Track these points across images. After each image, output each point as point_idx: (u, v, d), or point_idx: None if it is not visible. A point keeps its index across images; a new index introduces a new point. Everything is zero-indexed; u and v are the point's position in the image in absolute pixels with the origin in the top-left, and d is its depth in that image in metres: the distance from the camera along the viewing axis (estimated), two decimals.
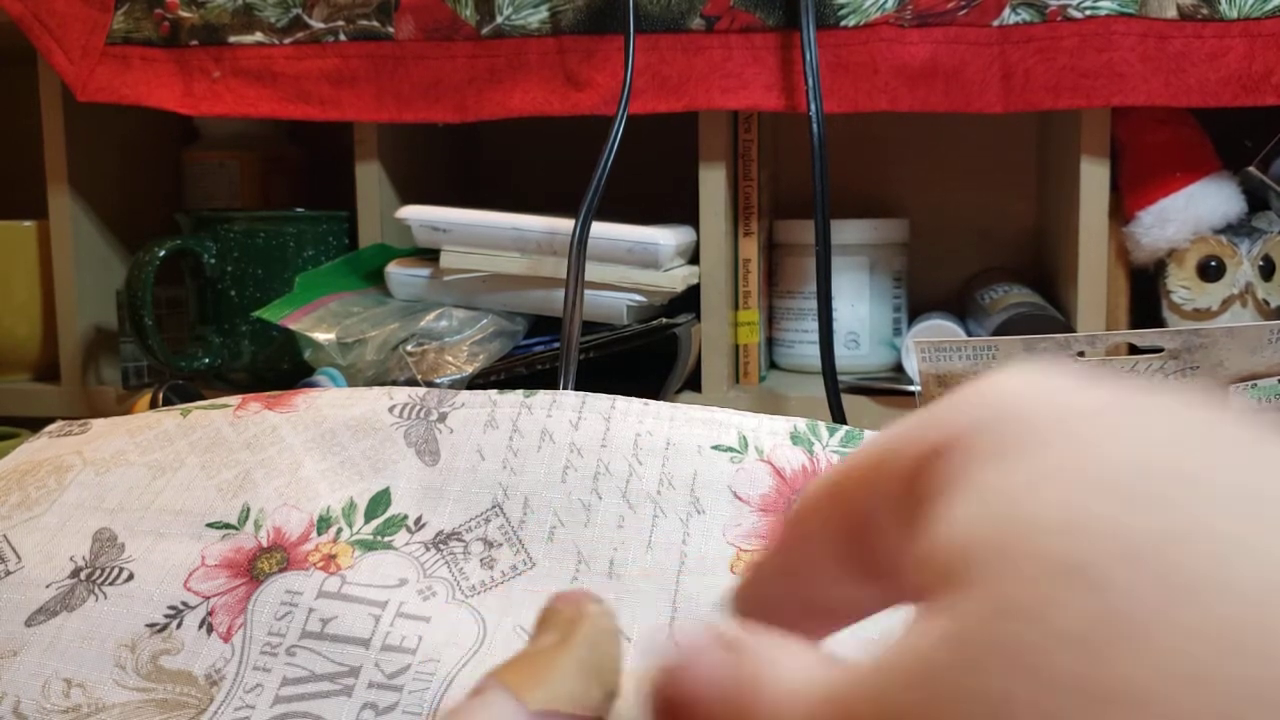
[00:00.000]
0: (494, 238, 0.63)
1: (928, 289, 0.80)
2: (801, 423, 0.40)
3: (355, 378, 0.60)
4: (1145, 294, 0.66)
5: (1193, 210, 0.62)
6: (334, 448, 0.41)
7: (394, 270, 0.66)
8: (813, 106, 0.59)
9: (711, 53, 0.63)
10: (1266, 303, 0.63)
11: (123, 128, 0.77)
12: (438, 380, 0.59)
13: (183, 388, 0.63)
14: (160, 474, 0.40)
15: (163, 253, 0.66)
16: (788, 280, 0.71)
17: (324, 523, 0.38)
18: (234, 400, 0.43)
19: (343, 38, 0.67)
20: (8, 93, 0.91)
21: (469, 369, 0.60)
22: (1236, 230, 0.63)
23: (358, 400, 0.42)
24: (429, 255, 0.66)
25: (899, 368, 0.71)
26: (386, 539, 0.38)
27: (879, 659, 0.14)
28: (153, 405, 0.61)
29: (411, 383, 0.60)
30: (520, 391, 0.41)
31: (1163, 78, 0.59)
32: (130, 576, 0.37)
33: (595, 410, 0.40)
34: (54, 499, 0.40)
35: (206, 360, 0.69)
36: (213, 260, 0.68)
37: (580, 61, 0.64)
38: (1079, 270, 0.63)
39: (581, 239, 0.55)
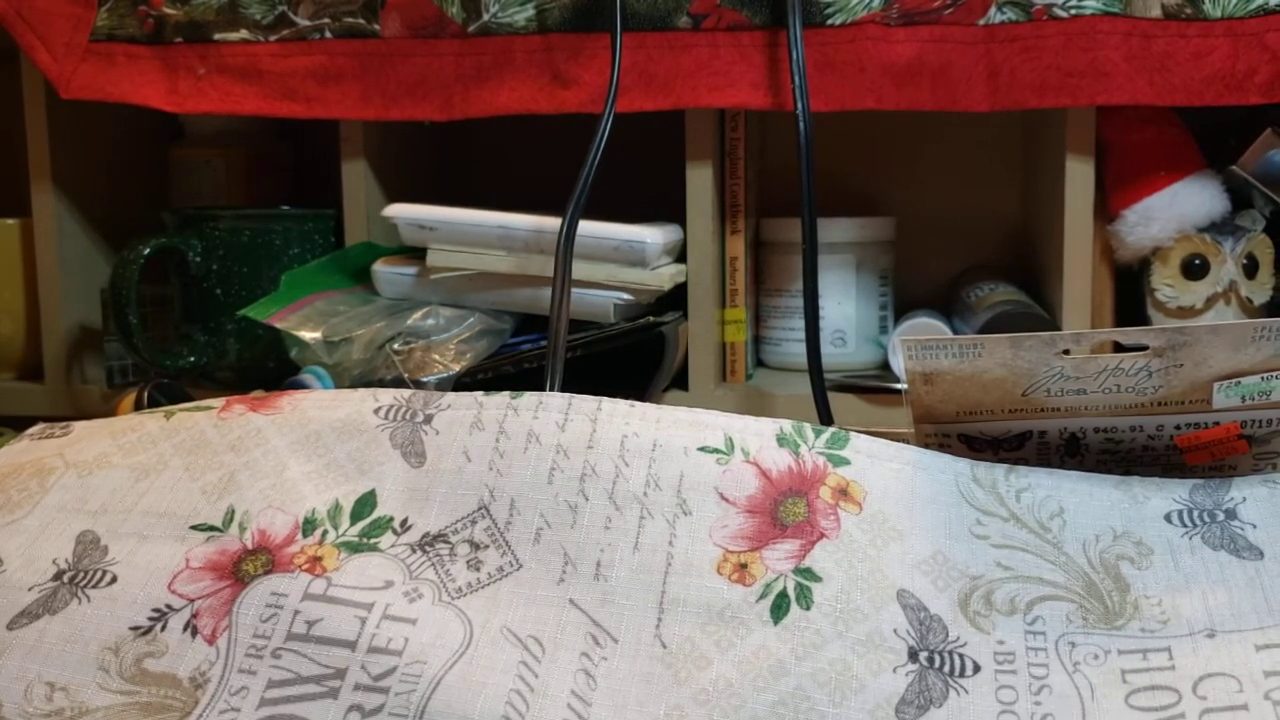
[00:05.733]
0: (481, 236, 0.63)
1: (914, 287, 0.81)
2: (788, 424, 0.40)
3: (342, 376, 0.60)
4: (1130, 292, 0.66)
5: (1177, 209, 0.63)
6: (319, 450, 0.40)
7: (380, 268, 0.66)
8: (799, 105, 0.59)
9: (698, 51, 0.63)
10: (1250, 300, 0.63)
11: (107, 125, 0.76)
12: (425, 379, 0.59)
13: (168, 386, 0.63)
14: (144, 476, 0.40)
15: (147, 251, 0.66)
16: (775, 278, 0.72)
17: (309, 525, 0.38)
18: (218, 402, 0.43)
19: (329, 35, 0.66)
20: None
21: (456, 367, 0.60)
22: (1220, 228, 0.63)
23: (343, 402, 0.42)
24: (416, 253, 0.65)
25: (886, 366, 0.71)
26: (372, 541, 0.38)
27: None
28: (138, 404, 0.61)
29: (398, 381, 0.60)
30: (506, 393, 0.41)
31: (1147, 77, 0.59)
32: (113, 579, 0.37)
33: (581, 412, 0.40)
34: (36, 501, 0.40)
35: (192, 359, 0.69)
36: (198, 258, 0.68)
37: (567, 59, 0.64)
38: (1064, 268, 0.63)
39: (568, 237, 0.55)
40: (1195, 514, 0.38)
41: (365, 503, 0.39)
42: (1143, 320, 0.65)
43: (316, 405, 0.42)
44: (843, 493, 0.38)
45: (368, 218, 0.70)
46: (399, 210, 0.64)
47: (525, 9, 0.64)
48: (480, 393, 0.42)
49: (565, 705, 0.33)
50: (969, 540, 0.38)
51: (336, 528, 0.38)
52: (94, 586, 0.37)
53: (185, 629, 0.35)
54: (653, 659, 0.35)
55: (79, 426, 0.44)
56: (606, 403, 0.40)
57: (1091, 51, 0.59)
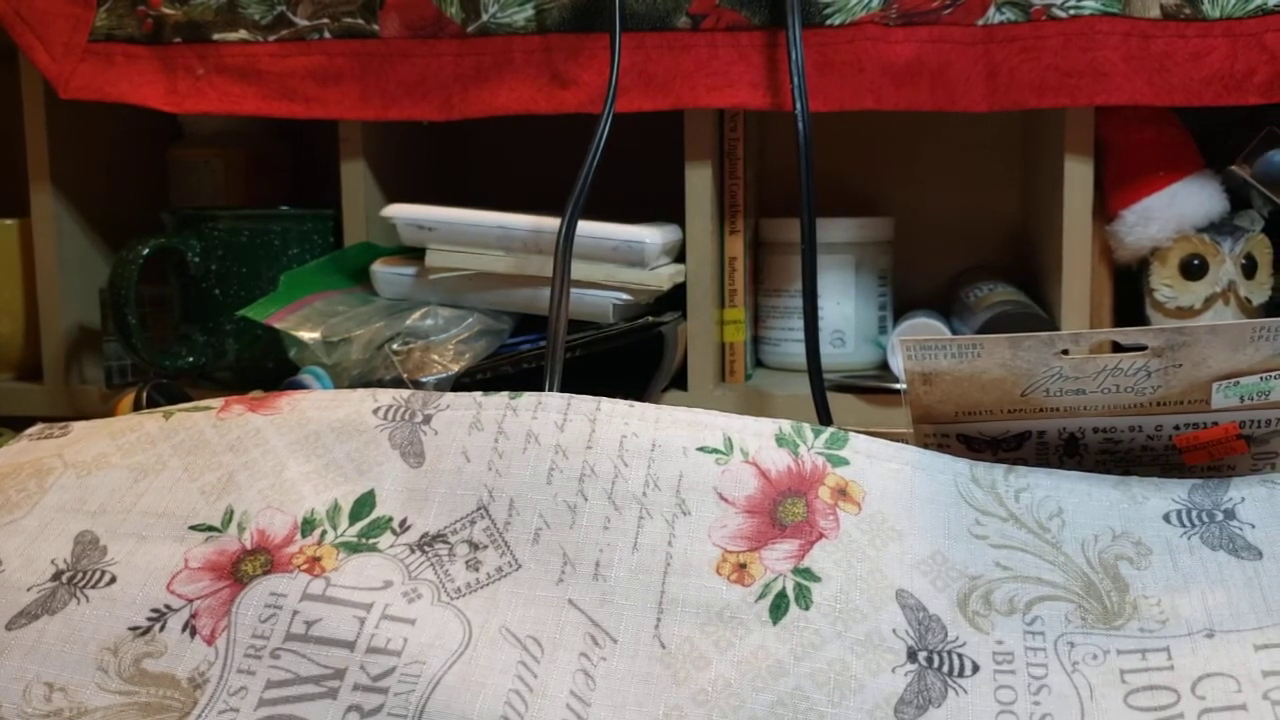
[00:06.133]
0: (480, 236, 0.63)
1: (913, 287, 0.81)
2: (787, 424, 0.40)
3: (340, 376, 0.60)
4: (1129, 292, 0.66)
5: (1176, 209, 0.63)
6: (318, 450, 0.40)
7: (379, 269, 0.66)
8: (798, 105, 0.59)
9: (698, 51, 0.63)
10: (1249, 301, 0.63)
11: (106, 125, 0.76)
12: (423, 379, 0.59)
13: (167, 387, 0.62)
14: (142, 476, 0.40)
15: (146, 251, 0.66)
16: (774, 278, 0.72)
17: (308, 525, 0.38)
18: (217, 402, 0.43)
19: (327, 35, 0.66)
20: None
21: (455, 368, 0.60)
22: (1219, 229, 0.63)
23: (342, 402, 0.42)
24: (414, 254, 0.65)
25: (884, 366, 0.71)
26: (371, 541, 0.38)
27: None
28: (136, 405, 0.61)
29: (397, 381, 0.60)
30: (505, 393, 0.41)
31: (1146, 77, 0.59)
32: (112, 579, 0.37)
33: (580, 412, 0.40)
34: (35, 502, 0.40)
35: (191, 359, 0.69)
36: (197, 259, 0.68)
37: (566, 60, 0.64)
38: (1063, 268, 0.63)
39: (567, 237, 0.55)
40: (1194, 514, 0.38)
41: (364, 503, 0.39)
42: (1141, 320, 0.65)
43: (315, 405, 0.42)
44: (842, 493, 0.38)
45: (366, 218, 0.70)
46: (398, 210, 0.64)
47: (524, 9, 0.64)
48: (479, 393, 0.42)
49: (564, 705, 0.33)
50: (968, 540, 0.38)
51: (335, 528, 0.38)
52: (93, 587, 0.37)
53: (184, 629, 0.35)
54: (652, 659, 0.35)
55: (78, 427, 0.44)
56: (605, 403, 0.40)
57: (1090, 52, 0.59)
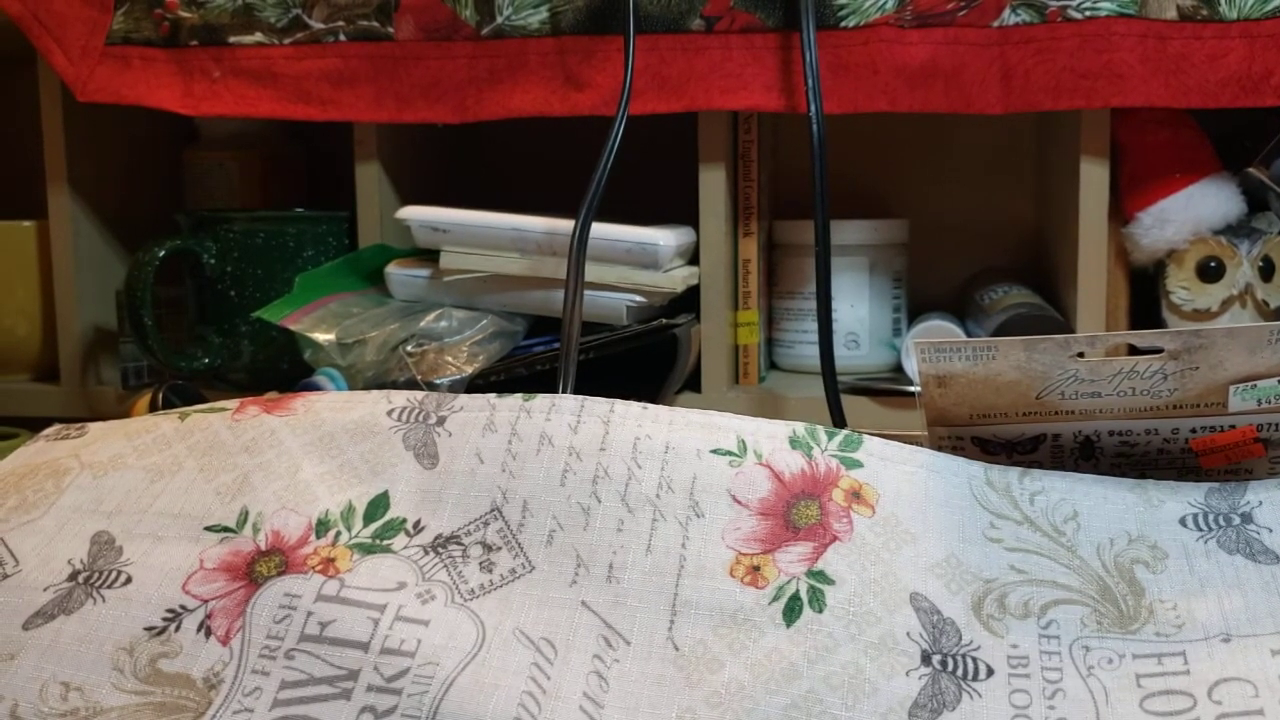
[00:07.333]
0: (494, 238, 0.63)
1: (927, 289, 0.80)
2: (800, 426, 0.40)
3: (355, 378, 0.60)
4: (1145, 295, 0.66)
5: (1192, 211, 0.62)
6: (332, 451, 0.41)
7: (394, 271, 0.66)
8: (812, 107, 0.59)
9: (711, 53, 0.63)
10: (1266, 303, 0.63)
11: (123, 128, 0.77)
12: (438, 381, 0.60)
13: (182, 388, 0.63)
14: (158, 477, 0.40)
15: (162, 253, 0.66)
16: (787, 281, 0.72)
17: (322, 526, 0.38)
18: (232, 404, 0.43)
19: (343, 38, 0.67)
20: (7, 93, 0.92)
21: (469, 369, 0.60)
22: (1236, 231, 0.63)
23: (356, 404, 0.42)
24: (429, 256, 0.66)
25: (899, 368, 0.71)
26: (385, 542, 0.38)
27: None
28: (152, 406, 0.61)
29: (411, 383, 0.60)
30: (519, 395, 0.41)
31: (1162, 79, 0.59)
32: (128, 580, 0.37)
33: (594, 414, 0.40)
34: (52, 502, 0.40)
35: (206, 360, 0.69)
36: (212, 260, 0.68)
37: (580, 62, 0.64)
38: (1079, 271, 0.63)
39: (581, 239, 0.55)
40: (1211, 518, 0.38)
41: (378, 504, 0.39)
42: (1158, 323, 0.65)
43: (330, 407, 0.42)
44: (855, 495, 0.38)
45: (381, 220, 0.70)
46: (412, 212, 0.64)
47: (538, 11, 0.64)
48: (493, 395, 0.42)
49: (577, 707, 0.33)
50: (982, 543, 0.38)
51: (349, 529, 0.38)
52: (109, 587, 0.37)
53: (199, 629, 0.35)
54: (665, 661, 0.35)
55: (94, 428, 0.44)
56: (619, 405, 0.40)
57: (1106, 53, 0.59)
